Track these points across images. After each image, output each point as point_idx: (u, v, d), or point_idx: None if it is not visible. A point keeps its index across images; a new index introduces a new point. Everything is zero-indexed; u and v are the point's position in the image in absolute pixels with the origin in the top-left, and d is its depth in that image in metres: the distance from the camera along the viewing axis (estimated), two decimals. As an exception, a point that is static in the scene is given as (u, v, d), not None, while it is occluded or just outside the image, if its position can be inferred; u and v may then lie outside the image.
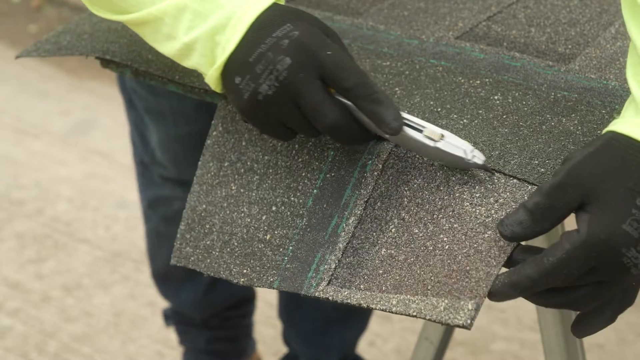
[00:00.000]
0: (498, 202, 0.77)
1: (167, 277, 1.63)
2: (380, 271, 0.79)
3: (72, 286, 2.05)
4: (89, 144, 2.53)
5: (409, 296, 0.76)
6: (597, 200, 0.68)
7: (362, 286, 0.79)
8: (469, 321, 0.72)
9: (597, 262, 0.68)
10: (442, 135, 0.78)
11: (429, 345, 1.16)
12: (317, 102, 0.78)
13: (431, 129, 0.78)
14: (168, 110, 1.38)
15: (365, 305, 0.77)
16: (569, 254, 0.68)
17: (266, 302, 1.95)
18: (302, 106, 0.79)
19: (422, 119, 0.85)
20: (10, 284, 2.05)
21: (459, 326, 0.72)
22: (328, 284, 0.80)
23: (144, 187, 1.56)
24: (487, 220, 0.76)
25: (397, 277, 0.78)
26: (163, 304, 1.86)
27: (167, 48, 0.84)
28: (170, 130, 1.40)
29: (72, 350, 1.89)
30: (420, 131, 0.79)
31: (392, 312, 0.75)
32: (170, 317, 1.71)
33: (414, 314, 0.75)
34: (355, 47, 0.97)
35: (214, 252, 0.87)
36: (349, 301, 0.78)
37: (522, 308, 1.98)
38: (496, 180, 0.78)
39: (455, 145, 0.78)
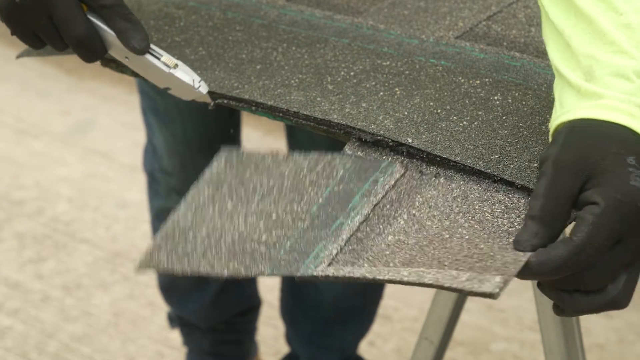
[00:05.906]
0: (520, 217, 0.75)
1: (172, 286, 1.63)
2: (387, 252, 0.73)
3: (72, 286, 2.05)
4: (89, 144, 2.53)
5: (422, 269, 0.69)
6: (594, 175, 0.69)
7: (365, 264, 0.73)
8: (497, 290, 0.64)
9: (623, 225, 0.67)
10: (177, 65, 0.89)
11: (429, 345, 1.16)
12: (69, 16, 0.84)
13: (168, 57, 0.89)
14: (175, 110, 1.38)
15: (371, 277, 0.70)
16: (595, 224, 0.67)
17: (267, 302, 1.94)
18: (54, 18, 0.85)
19: (421, 120, 0.86)
20: (10, 284, 2.05)
21: (485, 294, 0.64)
22: (328, 266, 0.74)
23: (152, 198, 1.57)
24: (511, 230, 0.73)
25: (407, 256, 0.72)
26: (163, 304, 1.86)
27: None
28: (177, 132, 1.40)
29: (72, 350, 1.89)
30: (159, 58, 0.89)
31: (403, 283, 0.68)
32: (174, 319, 1.71)
33: (430, 282, 0.67)
34: (355, 47, 0.97)
35: (194, 255, 0.80)
36: (352, 275, 0.71)
37: (522, 308, 1.98)
38: (515, 200, 0.77)
39: (187, 74, 0.90)
